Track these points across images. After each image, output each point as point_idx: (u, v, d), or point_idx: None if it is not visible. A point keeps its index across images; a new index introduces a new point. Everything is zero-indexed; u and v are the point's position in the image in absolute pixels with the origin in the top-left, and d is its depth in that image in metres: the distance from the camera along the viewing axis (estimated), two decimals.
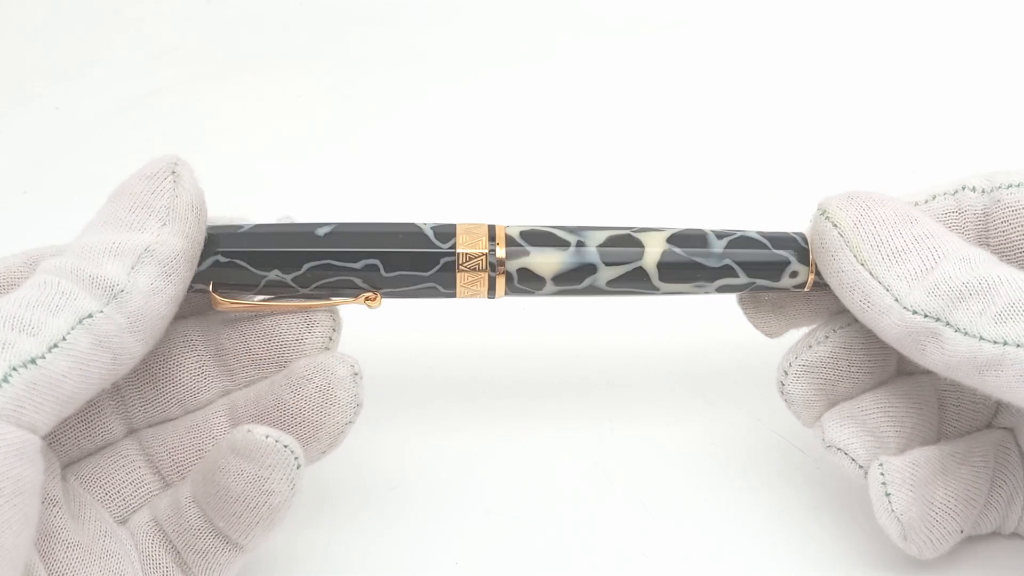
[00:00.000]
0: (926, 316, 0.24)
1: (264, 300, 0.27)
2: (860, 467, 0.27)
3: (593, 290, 0.28)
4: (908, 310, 0.24)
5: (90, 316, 0.22)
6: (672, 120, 0.49)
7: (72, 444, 0.27)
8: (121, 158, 0.50)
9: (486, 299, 0.28)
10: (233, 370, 0.27)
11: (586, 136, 0.49)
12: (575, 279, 0.27)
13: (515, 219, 0.29)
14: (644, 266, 0.27)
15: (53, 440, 0.26)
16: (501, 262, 0.27)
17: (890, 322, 0.25)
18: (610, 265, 0.27)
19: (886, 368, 0.28)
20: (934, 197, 0.27)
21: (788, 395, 0.28)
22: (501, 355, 0.37)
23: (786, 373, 0.28)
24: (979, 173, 0.27)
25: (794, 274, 0.28)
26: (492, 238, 0.27)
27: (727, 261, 0.28)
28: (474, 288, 0.27)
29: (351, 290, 0.27)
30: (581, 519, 0.31)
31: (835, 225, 0.26)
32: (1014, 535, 0.29)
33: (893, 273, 0.25)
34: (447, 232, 0.27)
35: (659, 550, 0.30)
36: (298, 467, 0.25)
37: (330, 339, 0.27)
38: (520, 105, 0.51)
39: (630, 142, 0.48)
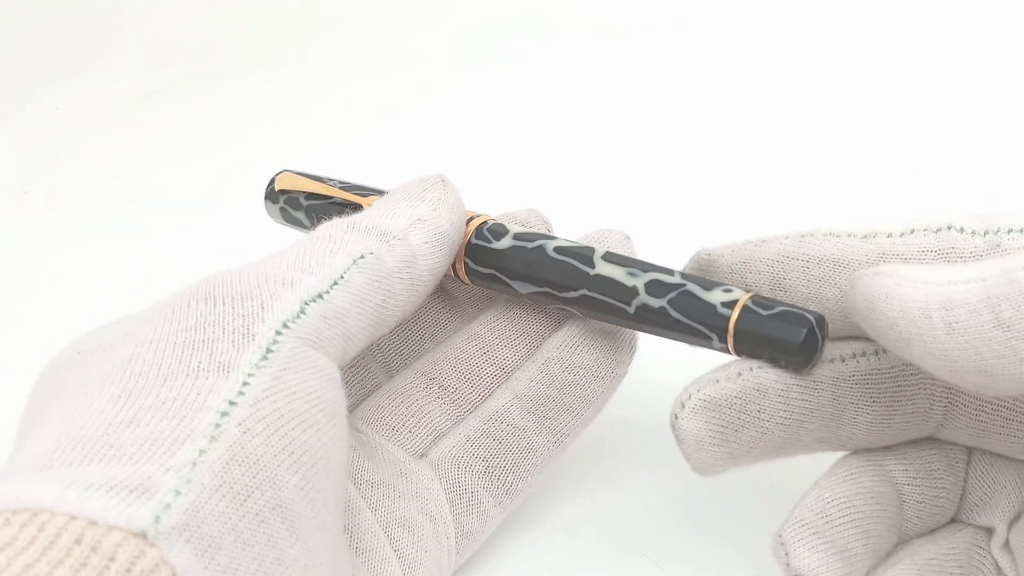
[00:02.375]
0: None
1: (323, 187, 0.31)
2: None
3: (540, 251, 0.27)
4: (1018, 269, 0.18)
5: (362, 256, 0.23)
6: (671, 120, 0.49)
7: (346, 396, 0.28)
8: (121, 158, 0.50)
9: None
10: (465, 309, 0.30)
11: (589, 136, 0.49)
12: (529, 238, 0.27)
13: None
14: (595, 247, 0.27)
15: None
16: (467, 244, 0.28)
17: (994, 315, 0.19)
18: (568, 240, 0.27)
19: (806, 428, 0.24)
20: (912, 231, 0.23)
21: (679, 431, 0.24)
22: None
23: (683, 406, 0.24)
24: (966, 214, 0.23)
25: (728, 290, 0.24)
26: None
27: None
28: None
29: None
30: (581, 519, 0.31)
31: (877, 273, 0.21)
32: None
33: (961, 271, 0.20)
34: None
35: (659, 550, 0.30)
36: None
37: None
38: (520, 104, 0.51)
39: (629, 142, 0.48)
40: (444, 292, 0.30)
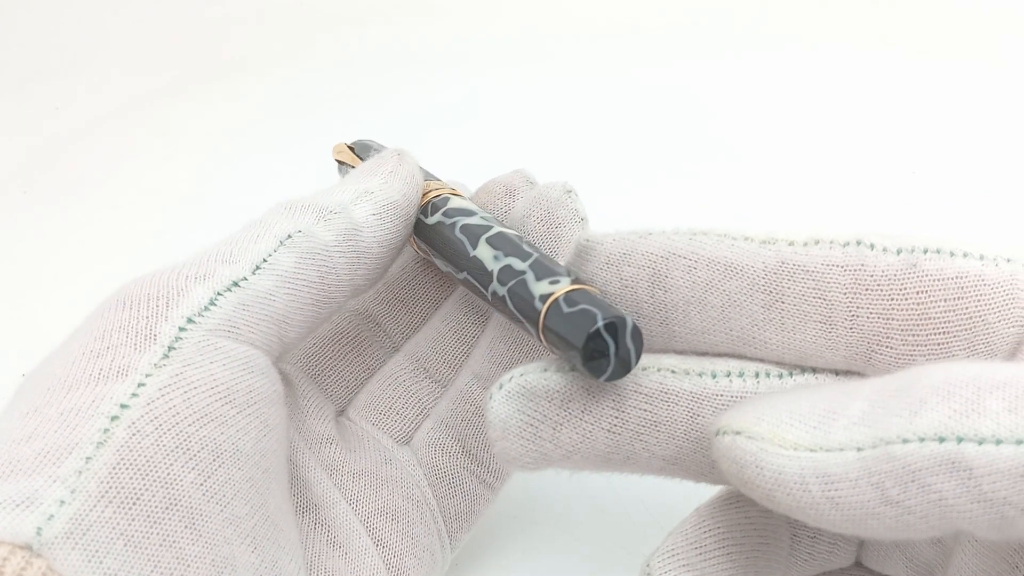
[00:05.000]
0: (922, 440, 0.16)
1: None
2: None
3: (451, 228, 0.25)
4: (896, 443, 0.17)
5: (289, 236, 0.23)
6: (670, 119, 0.49)
7: (342, 387, 0.28)
8: (121, 158, 0.50)
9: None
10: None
11: (589, 137, 0.49)
12: (453, 214, 0.26)
13: None
14: (492, 228, 0.25)
15: (323, 388, 0.28)
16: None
17: (874, 488, 0.17)
18: (483, 219, 0.25)
19: (644, 443, 0.21)
20: (817, 242, 0.21)
21: (488, 414, 0.21)
22: None
23: (500, 387, 0.21)
24: (878, 231, 0.21)
25: (555, 281, 0.22)
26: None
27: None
28: None
29: None
30: (581, 519, 0.31)
31: (737, 432, 0.19)
32: None
33: (839, 428, 0.18)
34: None
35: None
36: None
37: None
38: (521, 104, 0.51)
39: (630, 139, 0.48)
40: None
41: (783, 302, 0.21)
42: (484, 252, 0.24)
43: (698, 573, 0.21)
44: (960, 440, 0.16)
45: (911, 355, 0.21)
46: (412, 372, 0.28)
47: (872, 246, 0.20)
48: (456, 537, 0.27)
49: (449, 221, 0.26)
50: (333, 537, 0.24)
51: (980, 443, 0.16)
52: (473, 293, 0.24)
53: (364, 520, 0.25)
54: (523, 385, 0.21)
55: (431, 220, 0.26)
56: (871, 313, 0.21)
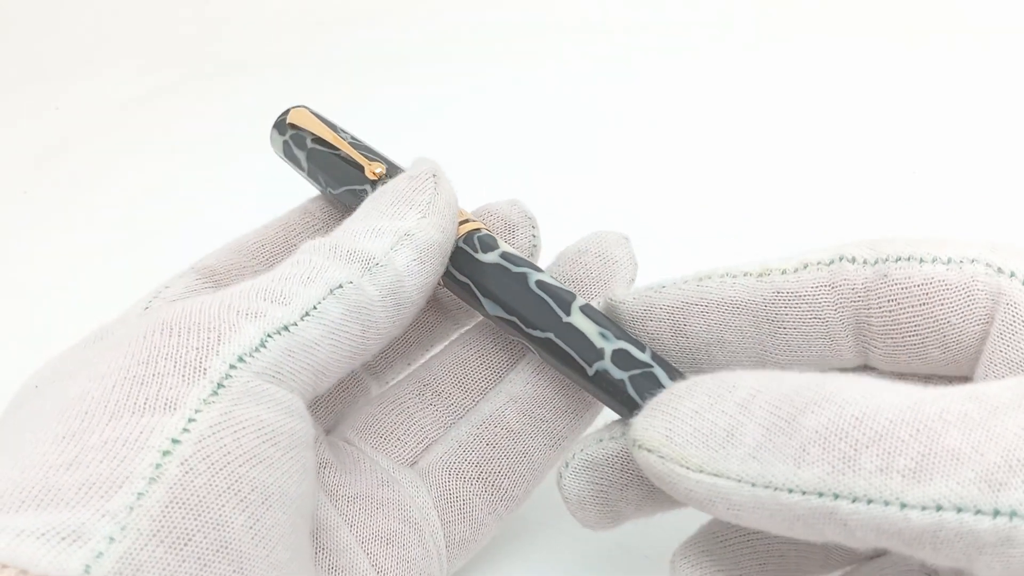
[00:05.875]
0: (805, 494, 0.18)
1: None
2: None
3: (521, 279, 0.26)
4: (782, 491, 0.18)
5: (340, 287, 0.22)
6: (670, 118, 0.50)
7: (326, 411, 0.28)
8: (121, 158, 0.50)
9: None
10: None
11: (588, 138, 0.49)
12: (517, 261, 0.26)
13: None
14: (576, 295, 0.26)
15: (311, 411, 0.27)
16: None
17: (769, 518, 0.19)
18: (553, 278, 0.26)
19: None
20: (805, 266, 0.23)
21: (563, 491, 0.24)
22: None
23: (566, 465, 0.24)
24: (861, 241, 0.23)
25: None
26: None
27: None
28: None
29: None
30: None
31: (650, 450, 0.21)
32: None
33: (733, 458, 0.19)
34: None
35: (660, 550, 0.30)
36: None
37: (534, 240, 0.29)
38: (519, 104, 0.51)
39: (628, 142, 0.48)
40: (432, 296, 0.30)
41: (785, 328, 0.23)
42: (584, 323, 0.25)
43: (715, 559, 0.23)
44: (836, 497, 0.18)
45: (895, 356, 0.23)
46: (418, 396, 0.27)
47: (853, 259, 0.22)
48: (455, 563, 0.27)
49: (516, 270, 0.26)
50: (334, 562, 0.24)
51: (853, 501, 0.18)
52: (535, 348, 0.26)
53: (363, 545, 0.25)
54: (586, 459, 0.24)
55: (484, 258, 0.26)
56: (857, 323, 0.23)
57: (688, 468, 0.20)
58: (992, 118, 0.48)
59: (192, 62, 0.56)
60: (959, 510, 0.17)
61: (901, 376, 0.23)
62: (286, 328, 0.21)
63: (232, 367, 0.20)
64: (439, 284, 0.27)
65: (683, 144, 0.48)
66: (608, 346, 0.24)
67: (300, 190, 0.32)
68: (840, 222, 0.42)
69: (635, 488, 0.24)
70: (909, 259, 0.22)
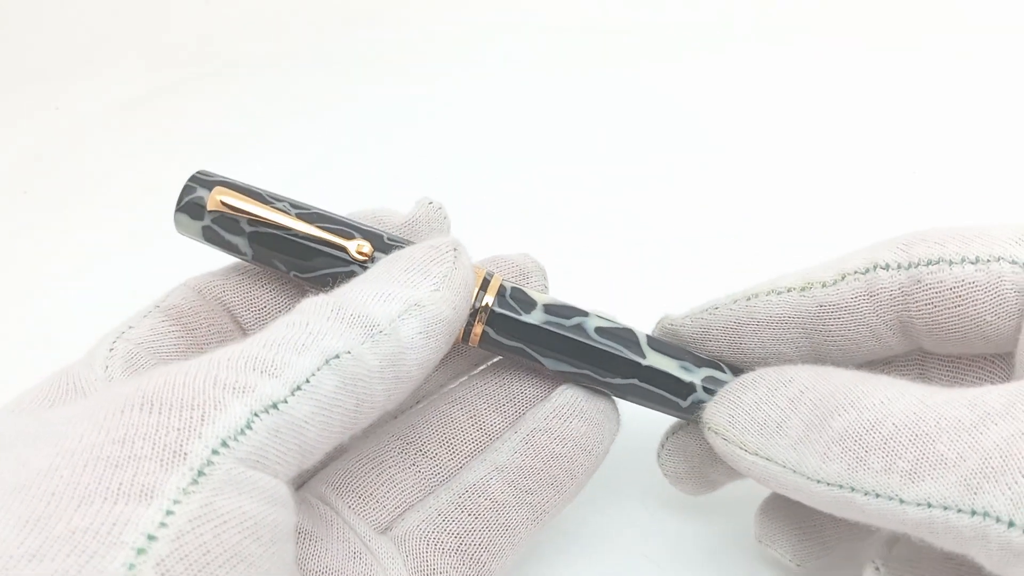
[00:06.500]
0: (829, 485, 0.22)
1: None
2: (794, 564, 0.27)
3: (580, 331, 0.26)
4: (812, 480, 0.22)
5: (337, 357, 0.20)
6: (669, 117, 0.49)
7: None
8: (121, 158, 0.50)
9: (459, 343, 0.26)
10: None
11: (588, 138, 0.49)
12: (562, 312, 0.26)
13: (515, 226, 0.29)
14: (635, 330, 0.26)
15: None
16: (485, 309, 0.25)
17: (808, 498, 0.23)
18: (601, 318, 0.26)
19: None
20: (843, 277, 0.25)
21: (662, 467, 0.28)
22: None
23: (662, 446, 0.28)
24: (894, 242, 0.25)
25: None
26: (483, 287, 0.26)
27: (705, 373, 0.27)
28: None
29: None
30: (581, 519, 0.31)
31: (716, 432, 0.25)
32: None
33: (780, 447, 0.23)
34: None
35: (659, 550, 0.30)
36: (616, 430, 0.27)
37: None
38: (519, 104, 0.51)
39: (626, 142, 0.48)
40: None
41: (833, 336, 0.25)
42: (663, 362, 0.26)
43: (787, 516, 0.27)
44: (852, 490, 0.21)
45: (943, 347, 0.24)
46: (400, 454, 0.26)
47: (887, 266, 0.24)
48: None
49: (569, 323, 0.26)
50: None
51: (865, 494, 0.21)
52: (617, 393, 0.26)
53: None
54: (678, 441, 0.28)
55: (531, 319, 0.26)
56: (901, 323, 0.24)
57: (746, 450, 0.24)
58: (992, 118, 0.48)
59: (192, 62, 0.56)
60: (945, 508, 0.19)
61: (958, 358, 0.25)
62: (274, 406, 0.19)
63: (215, 452, 0.18)
64: (471, 345, 0.26)
65: (683, 143, 0.48)
66: (695, 378, 0.26)
67: (301, 190, 0.32)
68: (840, 222, 0.42)
69: (721, 469, 0.27)
70: (939, 262, 0.23)
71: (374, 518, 0.26)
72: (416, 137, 0.50)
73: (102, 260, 0.43)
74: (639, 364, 0.26)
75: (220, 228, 0.26)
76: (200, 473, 0.18)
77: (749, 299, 0.26)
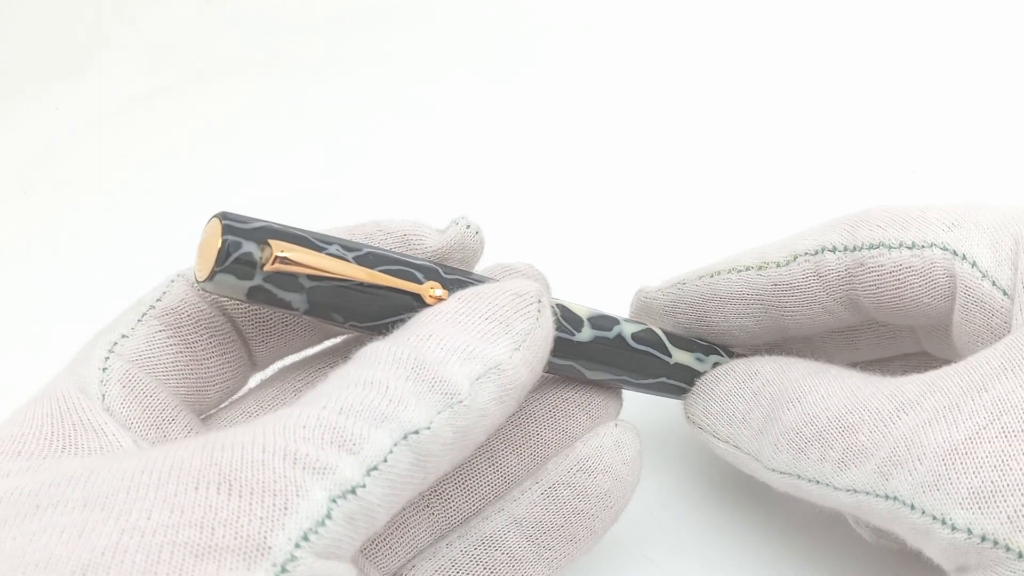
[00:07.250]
0: (780, 473, 0.24)
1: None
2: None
3: (621, 341, 0.26)
4: (768, 468, 0.25)
5: (416, 432, 0.19)
6: (669, 117, 0.49)
7: None
8: (121, 158, 0.50)
9: None
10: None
11: (587, 139, 0.49)
12: (602, 324, 0.26)
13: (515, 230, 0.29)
14: (655, 329, 0.28)
15: None
16: None
17: (768, 482, 0.25)
18: (629, 322, 0.27)
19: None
20: (795, 258, 0.26)
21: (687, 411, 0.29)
22: None
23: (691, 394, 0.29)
24: (842, 222, 0.26)
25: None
26: None
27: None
28: None
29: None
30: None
31: (694, 422, 0.27)
32: None
33: (745, 437, 0.25)
34: None
35: (660, 550, 0.30)
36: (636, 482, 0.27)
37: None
38: (518, 105, 0.51)
39: (625, 147, 0.48)
40: None
41: (789, 311, 0.27)
42: (684, 357, 0.28)
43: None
44: (798, 477, 0.23)
45: (893, 319, 0.26)
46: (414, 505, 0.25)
47: (834, 248, 0.25)
48: None
49: (612, 335, 0.26)
50: None
51: (807, 481, 0.23)
52: (643, 390, 0.28)
53: None
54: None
55: (582, 337, 0.26)
56: (850, 300, 0.26)
57: (718, 438, 0.26)
58: (992, 118, 0.48)
59: (192, 62, 0.56)
60: (867, 493, 0.21)
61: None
62: (352, 491, 0.18)
63: (297, 546, 0.17)
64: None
65: (682, 142, 0.48)
66: (706, 367, 0.28)
67: (301, 190, 0.31)
68: (740, 252, 0.41)
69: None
70: (880, 246, 0.25)
71: (384, 565, 0.25)
72: (416, 137, 0.50)
73: (102, 260, 0.43)
74: (667, 363, 0.27)
75: (274, 286, 0.22)
76: (283, 570, 0.17)
77: (712, 276, 0.27)
